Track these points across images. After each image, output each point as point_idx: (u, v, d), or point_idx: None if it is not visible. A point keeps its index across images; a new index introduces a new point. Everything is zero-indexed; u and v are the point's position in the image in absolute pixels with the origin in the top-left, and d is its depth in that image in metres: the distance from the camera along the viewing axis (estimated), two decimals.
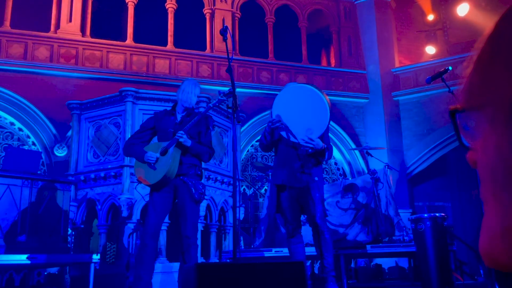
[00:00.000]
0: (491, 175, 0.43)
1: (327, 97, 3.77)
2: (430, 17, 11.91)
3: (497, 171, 0.42)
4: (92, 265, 4.59)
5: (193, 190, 3.58)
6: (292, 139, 3.69)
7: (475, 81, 0.46)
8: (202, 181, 5.68)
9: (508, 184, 0.41)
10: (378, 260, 7.32)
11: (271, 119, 3.66)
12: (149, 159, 3.58)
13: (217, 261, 5.93)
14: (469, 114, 0.46)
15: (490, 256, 0.43)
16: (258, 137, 10.86)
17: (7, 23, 9.67)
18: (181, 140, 3.53)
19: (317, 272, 6.99)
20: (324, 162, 4.23)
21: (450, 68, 4.23)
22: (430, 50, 11.84)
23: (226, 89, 3.56)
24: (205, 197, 5.69)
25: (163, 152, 3.59)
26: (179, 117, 3.80)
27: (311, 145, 3.64)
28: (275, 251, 5.24)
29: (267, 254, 5.29)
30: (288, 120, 3.67)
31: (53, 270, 5.54)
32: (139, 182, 3.78)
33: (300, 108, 3.70)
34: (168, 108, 3.94)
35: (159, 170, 3.55)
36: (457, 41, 11.52)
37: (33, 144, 9.44)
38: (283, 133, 3.71)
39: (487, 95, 0.43)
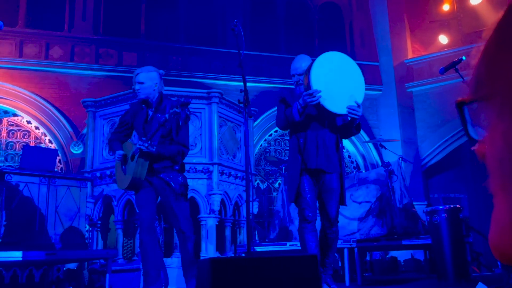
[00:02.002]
0: (499, 167, 0.43)
1: None
2: (446, 7, 11.74)
3: (505, 162, 0.42)
4: (110, 261, 4.66)
5: (173, 184, 3.46)
6: (333, 110, 3.27)
7: (482, 71, 0.45)
8: (215, 176, 5.74)
9: None
10: (393, 253, 7.29)
11: (311, 91, 3.18)
12: (117, 157, 3.53)
13: (232, 255, 5.97)
14: (477, 105, 0.45)
15: (499, 249, 0.43)
16: (272, 131, 10.89)
17: (22, 23, 9.80)
18: (144, 149, 3.36)
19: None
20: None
21: (463, 58, 4.17)
22: (444, 40, 11.68)
23: (238, 84, 3.51)
24: (219, 191, 5.72)
25: (132, 158, 3.48)
26: (150, 112, 3.63)
27: (358, 114, 3.30)
28: (289, 245, 5.26)
29: (281, 247, 5.31)
30: (330, 90, 3.24)
31: (72, 265, 5.64)
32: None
33: (340, 76, 3.33)
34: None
35: (127, 175, 3.48)
36: (471, 31, 11.34)
37: (50, 142, 9.58)
38: (322, 105, 3.24)
39: (495, 85, 0.43)
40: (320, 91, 3.17)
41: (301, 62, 3.53)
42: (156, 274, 3.48)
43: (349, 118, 3.39)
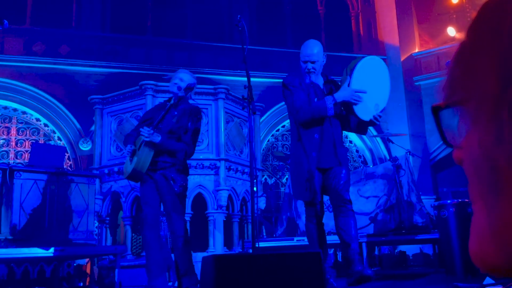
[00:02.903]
0: (476, 175, 0.41)
1: None
2: (454, 0, 11.61)
3: (481, 169, 0.40)
4: (118, 257, 4.69)
5: (172, 183, 3.50)
6: (359, 115, 3.29)
7: (456, 75, 0.43)
8: (223, 172, 5.75)
9: (493, 183, 0.39)
10: (402, 247, 7.26)
11: (356, 91, 3.22)
12: (127, 152, 3.61)
13: (240, 250, 5.99)
14: (452, 110, 0.44)
15: (479, 258, 0.42)
16: (279, 126, 10.87)
17: (29, 21, 9.87)
18: (145, 139, 3.40)
19: (340, 260, 6.98)
20: None
21: None
22: (452, 32, 11.57)
23: (245, 79, 3.46)
24: (226, 187, 5.74)
25: (138, 147, 3.52)
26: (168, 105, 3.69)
27: (378, 122, 3.36)
28: (296, 240, 5.26)
29: (288, 243, 5.32)
30: (362, 95, 3.29)
31: (82, 261, 5.70)
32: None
33: (373, 83, 3.37)
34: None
35: (131, 164, 3.52)
36: None
37: (59, 139, 9.65)
38: (352, 108, 3.26)
39: (469, 89, 0.41)
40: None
41: (312, 48, 3.38)
42: (158, 270, 3.49)
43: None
